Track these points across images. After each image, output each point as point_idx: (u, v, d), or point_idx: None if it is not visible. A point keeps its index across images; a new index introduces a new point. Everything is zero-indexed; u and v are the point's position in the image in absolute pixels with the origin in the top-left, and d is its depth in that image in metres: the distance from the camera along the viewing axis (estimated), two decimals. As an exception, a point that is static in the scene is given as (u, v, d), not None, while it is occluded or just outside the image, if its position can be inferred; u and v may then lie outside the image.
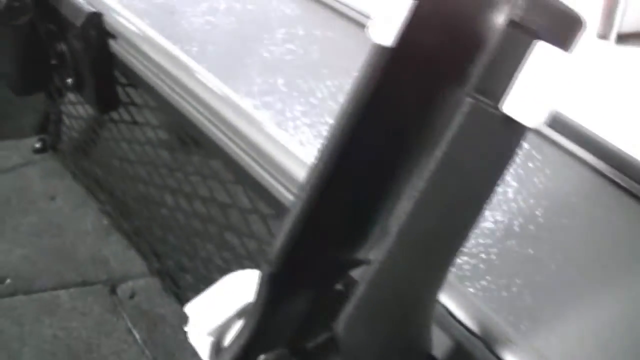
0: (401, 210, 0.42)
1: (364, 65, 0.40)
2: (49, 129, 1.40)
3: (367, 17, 0.87)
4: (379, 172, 0.45)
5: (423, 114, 0.43)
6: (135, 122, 1.03)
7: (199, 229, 0.99)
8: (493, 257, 0.54)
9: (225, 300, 0.52)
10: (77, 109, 1.30)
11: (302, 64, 0.79)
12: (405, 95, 0.43)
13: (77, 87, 0.97)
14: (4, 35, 0.90)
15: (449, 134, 0.39)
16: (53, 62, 0.97)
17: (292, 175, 0.64)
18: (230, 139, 0.72)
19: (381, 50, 0.39)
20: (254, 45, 0.82)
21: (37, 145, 1.42)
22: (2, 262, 1.23)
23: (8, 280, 1.21)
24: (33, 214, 1.32)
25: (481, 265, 0.53)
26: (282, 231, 0.43)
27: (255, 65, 0.79)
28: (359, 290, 0.42)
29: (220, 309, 0.52)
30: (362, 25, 0.86)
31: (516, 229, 0.57)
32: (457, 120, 0.39)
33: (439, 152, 0.40)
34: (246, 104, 0.71)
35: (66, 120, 1.36)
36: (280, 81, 0.75)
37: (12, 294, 1.19)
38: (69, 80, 0.97)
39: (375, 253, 0.45)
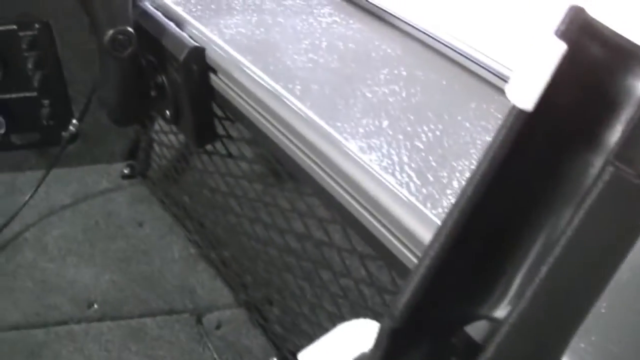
0: (535, 273, 0.40)
1: (501, 127, 0.39)
2: (138, 156, 1.41)
3: (467, 57, 0.86)
4: (506, 230, 0.44)
5: (554, 175, 0.42)
6: (230, 155, 1.03)
7: (291, 263, 0.99)
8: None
9: (339, 350, 0.52)
10: (168, 137, 1.31)
11: (406, 106, 0.78)
12: (538, 155, 0.42)
13: (175, 120, 0.97)
14: (107, 66, 0.91)
15: (588, 201, 0.38)
16: (152, 93, 0.97)
17: (396, 218, 0.63)
18: (332, 178, 0.71)
19: (519, 114, 0.38)
20: (356, 85, 0.82)
21: (126, 170, 1.44)
22: (91, 287, 1.25)
23: (95, 306, 1.22)
24: (121, 240, 1.33)
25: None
26: (408, 287, 0.43)
27: (359, 106, 0.78)
28: (489, 352, 0.41)
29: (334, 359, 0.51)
30: (463, 67, 0.85)
31: None
32: (597, 188, 0.38)
33: (576, 219, 0.39)
34: (350, 144, 0.70)
35: (156, 148, 1.37)
36: (385, 123, 0.74)
37: (100, 319, 1.20)
38: (168, 112, 0.98)
39: (501, 312, 0.45)
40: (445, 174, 0.66)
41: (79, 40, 1.34)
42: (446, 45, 0.88)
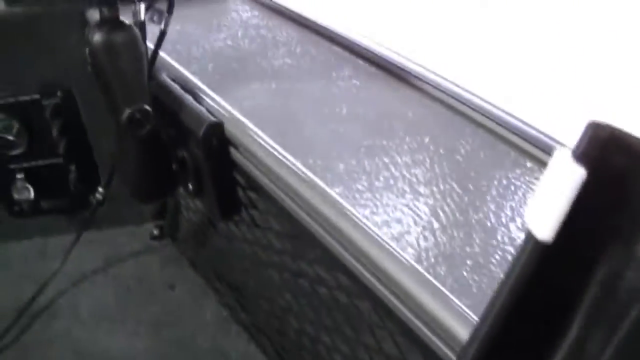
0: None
1: (519, 255, 0.37)
2: (166, 217, 1.41)
3: (494, 119, 0.84)
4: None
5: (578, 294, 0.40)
6: (255, 225, 1.01)
7: (322, 336, 0.97)
8: None
9: None
10: (194, 201, 1.30)
11: (430, 177, 0.76)
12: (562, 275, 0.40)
13: (198, 193, 0.96)
14: (126, 145, 0.90)
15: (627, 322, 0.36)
16: (174, 167, 0.96)
17: (420, 303, 0.61)
18: (357, 259, 0.70)
19: (537, 245, 0.36)
20: (379, 157, 0.80)
21: (155, 232, 1.43)
22: (126, 354, 1.24)
23: (131, 373, 1.21)
24: (153, 304, 1.32)
25: None
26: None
27: (381, 179, 0.76)
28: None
29: None
30: (490, 130, 0.83)
31: None
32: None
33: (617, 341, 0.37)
34: (373, 224, 0.69)
35: (184, 211, 1.36)
36: (408, 197, 0.73)
37: (136, 387, 1.19)
38: (190, 186, 0.97)
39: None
40: (473, 255, 0.64)
41: (102, 106, 1.34)
42: (470, 107, 0.86)
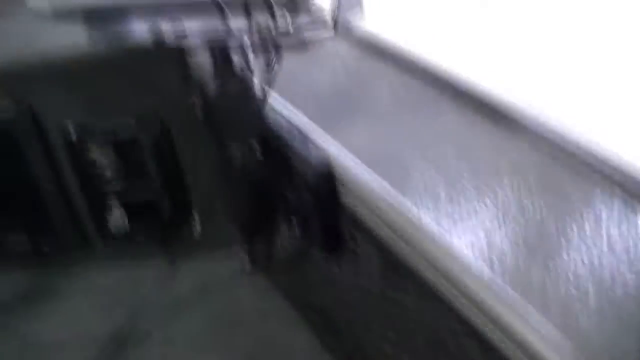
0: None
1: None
2: (259, 248, 1.43)
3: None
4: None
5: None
6: (356, 260, 1.03)
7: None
8: None
9: None
10: (292, 235, 1.32)
11: (532, 222, 0.76)
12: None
13: (303, 230, 0.98)
14: (235, 181, 0.93)
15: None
16: (280, 204, 0.98)
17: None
18: (470, 302, 0.71)
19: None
20: (488, 199, 0.81)
21: (247, 262, 1.45)
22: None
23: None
24: (246, 333, 1.34)
25: None
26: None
27: (490, 224, 0.77)
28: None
29: None
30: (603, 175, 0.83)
31: None
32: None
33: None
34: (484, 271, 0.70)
35: (278, 243, 1.38)
36: (520, 242, 0.73)
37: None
38: (295, 222, 0.99)
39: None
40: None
41: (197, 139, 1.37)
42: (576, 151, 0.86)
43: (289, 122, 0.98)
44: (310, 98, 1.06)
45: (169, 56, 1.30)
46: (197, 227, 1.26)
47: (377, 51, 1.19)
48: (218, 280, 1.49)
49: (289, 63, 1.09)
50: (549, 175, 0.85)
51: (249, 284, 1.45)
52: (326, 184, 0.88)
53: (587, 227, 0.75)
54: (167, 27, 0.91)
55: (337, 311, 1.25)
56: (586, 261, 0.70)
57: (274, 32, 0.84)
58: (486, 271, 0.69)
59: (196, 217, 1.27)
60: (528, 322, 0.64)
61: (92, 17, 0.91)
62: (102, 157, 1.42)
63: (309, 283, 1.33)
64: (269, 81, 0.95)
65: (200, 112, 0.92)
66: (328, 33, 0.83)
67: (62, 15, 0.87)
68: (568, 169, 0.85)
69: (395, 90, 1.05)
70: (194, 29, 0.90)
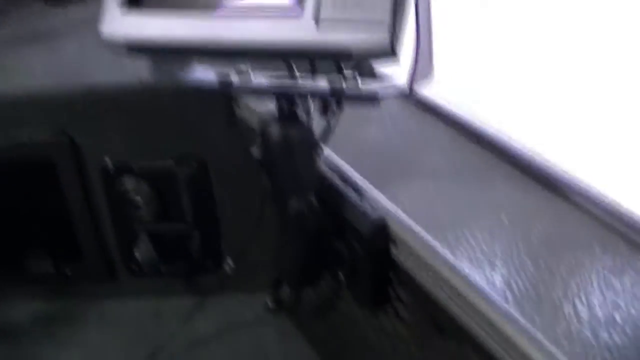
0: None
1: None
2: (290, 293, 1.43)
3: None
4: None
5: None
6: (398, 317, 1.03)
7: None
8: None
9: None
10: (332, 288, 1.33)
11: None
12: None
13: (349, 285, 0.98)
14: (288, 235, 0.93)
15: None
16: (328, 257, 0.98)
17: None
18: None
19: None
20: (547, 274, 0.81)
21: (271, 303, 1.44)
22: None
23: None
24: (269, 378, 1.33)
25: None
26: None
27: (553, 303, 0.77)
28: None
29: None
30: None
31: None
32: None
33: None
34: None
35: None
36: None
37: None
38: (342, 276, 0.99)
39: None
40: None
41: (233, 178, 1.38)
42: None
43: (344, 177, 0.98)
44: (359, 152, 1.07)
45: (220, 101, 1.32)
46: (227, 267, 1.25)
47: (426, 108, 1.20)
48: (240, 321, 1.48)
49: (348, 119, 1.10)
50: (606, 255, 0.84)
51: (272, 327, 1.45)
52: (379, 240, 0.88)
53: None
54: (234, 76, 0.90)
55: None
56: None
57: (341, 89, 0.84)
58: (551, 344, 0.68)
59: (226, 257, 1.26)
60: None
61: (162, 54, 0.91)
62: (136, 191, 1.41)
63: (338, 334, 1.33)
64: (326, 133, 0.95)
65: (258, 159, 0.91)
66: (401, 95, 0.83)
67: (134, 47, 0.87)
68: (631, 252, 0.85)
69: (448, 152, 1.05)
70: (261, 81, 0.90)
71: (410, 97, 1.18)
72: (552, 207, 0.94)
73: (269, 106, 0.96)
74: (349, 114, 1.09)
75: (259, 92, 0.92)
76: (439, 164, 1.04)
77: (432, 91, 1.17)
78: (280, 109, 0.91)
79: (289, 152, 0.90)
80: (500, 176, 1.01)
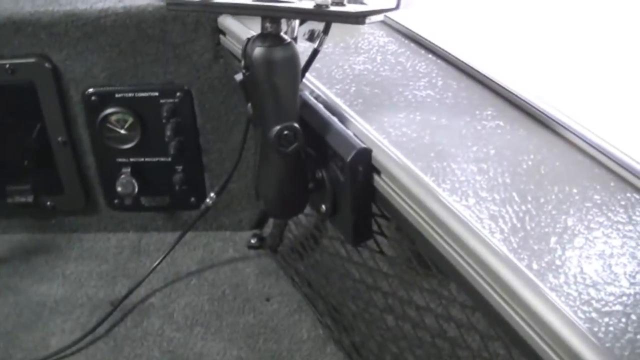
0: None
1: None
2: (271, 231, 1.41)
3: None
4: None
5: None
6: (380, 252, 1.01)
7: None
8: None
9: None
10: (299, 217, 1.31)
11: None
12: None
13: (332, 216, 0.96)
14: (269, 160, 0.91)
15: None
16: (310, 186, 0.96)
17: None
18: (503, 299, 0.70)
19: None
20: (532, 204, 0.79)
21: (253, 241, 1.43)
22: (218, 362, 1.24)
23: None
24: (248, 314, 1.33)
25: None
26: None
27: (535, 231, 0.75)
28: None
29: None
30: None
31: None
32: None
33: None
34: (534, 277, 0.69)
35: (290, 225, 1.37)
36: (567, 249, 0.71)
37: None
38: (324, 207, 0.97)
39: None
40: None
41: (217, 110, 1.35)
42: (622, 166, 0.84)
43: (328, 105, 0.95)
44: (344, 80, 1.04)
45: (200, 21, 1.28)
46: (209, 202, 1.23)
47: (413, 40, 1.18)
48: (222, 257, 1.47)
49: (335, 49, 1.07)
50: (593, 187, 0.82)
51: (254, 264, 1.43)
52: (363, 167, 0.86)
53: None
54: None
55: (346, 304, 1.24)
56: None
57: (327, 7, 0.80)
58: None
59: (216, 191, 1.24)
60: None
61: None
62: (119, 122, 1.39)
63: (315, 268, 1.32)
64: (311, 58, 0.92)
65: (242, 82, 0.88)
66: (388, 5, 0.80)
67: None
68: (608, 181, 0.83)
69: (435, 83, 1.03)
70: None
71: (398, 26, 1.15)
72: (542, 142, 0.92)
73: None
74: (336, 43, 1.07)
75: (243, 10, 0.88)
76: (427, 96, 1.01)
77: (420, 21, 1.14)
78: (264, 29, 0.87)
79: (272, 75, 0.87)
80: (491, 111, 0.98)
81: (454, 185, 0.83)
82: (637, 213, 0.78)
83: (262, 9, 0.86)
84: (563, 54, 1.10)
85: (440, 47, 1.13)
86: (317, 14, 0.84)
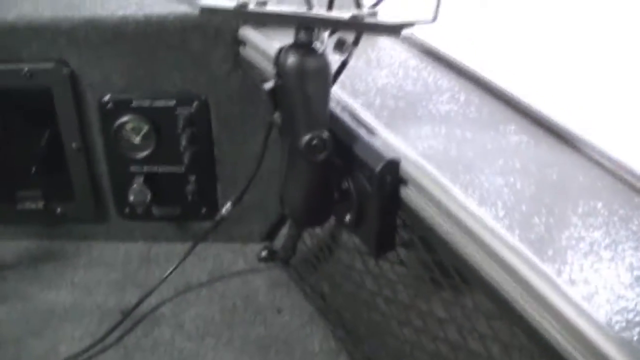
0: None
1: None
2: (284, 243, 1.41)
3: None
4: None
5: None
6: (401, 263, 1.02)
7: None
8: None
9: None
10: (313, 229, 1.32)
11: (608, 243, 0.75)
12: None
13: (356, 227, 0.97)
14: (297, 169, 0.92)
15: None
16: (335, 196, 0.97)
17: None
18: (538, 313, 0.70)
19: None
20: (558, 216, 0.80)
21: (263, 253, 1.43)
22: (230, 373, 1.24)
23: (234, 394, 1.21)
24: (259, 326, 1.33)
25: None
26: None
27: (565, 242, 0.76)
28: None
29: None
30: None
31: None
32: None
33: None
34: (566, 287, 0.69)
35: (304, 237, 1.37)
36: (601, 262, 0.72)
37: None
38: (348, 218, 0.97)
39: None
40: None
41: (233, 120, 1.36)
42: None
43: (356, 116, 0.96)
44: (369, 92, 1.06)
45: (220, 31, 1.29)
46: (222, 214, 1.23)
47: (433, 55, 1.19)
48: (232, 269, 1.47)
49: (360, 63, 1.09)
50: (616, 201, 0.83)
51: (265, 276, 1.43)
52: (391, 178, 0.87)
53: None
54: (251, 3, 0.88)
55: (360, 316, 1.24)
56: None
57: (362, 18, 0.82)
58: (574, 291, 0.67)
59: (222, 204, 1.24)
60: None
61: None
62: (134, 130, 1.39)
63: (327, 279, 1.32)
64: (340, 68, 0.93)
65: (270, 90, 0.89)
66: (424, 24, 0.81)
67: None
68: (632, 197, 0.84)
69: (457, 98, 1.05)
70: (279, 8, 0.88)
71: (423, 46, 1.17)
72: (564, 157, 0.94)
73: (276, 46, 0.93)
74: (358, 56, 1.08)
75: (278, 20, 0.90)
76: (451, 111, 1.02)
77: (445, 39, 1.16)
78: (297, 38, 0.89)
79: (305, 83, 0.88)
80: (513, 126, 1.00)
81: (483, 196, 0.83)
82: (663, 228, 0.79)
83: (298, 18, 0.87)
84: (582, 70, 1.11)
85: (461, 64, 1.14)
86: (353, 24, 0.85)
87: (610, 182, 0.88)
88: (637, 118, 1.02)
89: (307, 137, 0.91)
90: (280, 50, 0.91)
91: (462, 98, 1.06)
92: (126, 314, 1.33)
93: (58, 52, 1.33)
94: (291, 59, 0.89)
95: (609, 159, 0.91)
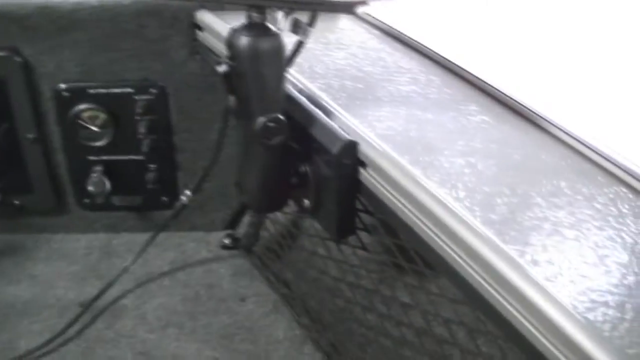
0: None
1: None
2: (246, 231, 1.39)
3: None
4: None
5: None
6: (363, 248, 1.00)
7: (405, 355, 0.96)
8: None
9: None
10: (276, 216, 1.29)
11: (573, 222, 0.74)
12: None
13: (315, 211, 0.95)
14: (253, 153, 0.89)
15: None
16: (293, 181, 0.95)
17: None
18: (505, 299, 0.69)
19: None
20: (521, 197, 0.78)
21: (226, 241, 1.41)
22: (193, 363, 1.22)
23: (198, 383, 1.19)
24: (223, 314, 1.30)
25: None
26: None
27: (528, 222, 0.74)
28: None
29: None
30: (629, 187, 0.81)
31: None
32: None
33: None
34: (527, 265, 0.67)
35: (267, 225, 1.35)
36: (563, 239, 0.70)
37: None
38: (307, 202, 0.95)
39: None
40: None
41: (192, 108, 1.33)
42: (608, 160, 0.84)
43: (312, 99, 0.94)
44: (327, 74, 1.03)
45: (177, 16, 1.26)
46: (183, 202, 1.20)
47: (393, 36, 1.17)
48: (195, 258, 1.44)
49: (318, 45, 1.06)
50: (580, 180, 0.82)
51: (227, 264, 1.41)
52: (349, 160, 0.85)
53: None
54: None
55: (324, 303, 1.22)
56: None
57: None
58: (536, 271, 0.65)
59: (182, 192, 1.21)
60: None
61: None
62: (91, 118, 1.36)
63: (290, 267, 1.30)
64: (296, 49, 0.91)
65: (225, 73, 0.86)
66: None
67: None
68: (595, 175, 0.83)
69: (418, 79, 1.03)
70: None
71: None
72: (527, 136, 0.92)
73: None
74: (317, 39, 1.05)
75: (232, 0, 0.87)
76: (411, 91, 1.00)
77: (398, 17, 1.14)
78: (250, 20, 0.86)
79: (259, 65, 0.85)
80: (475, 107, 0.98)
81: (443, 177, 0.81)
82: (626, 207, 0.77)
83: (250, -1, 0.84)
84: (542, 49, 1.09)
85: (421, 44, 1.12)
86: (308, 3, 0.82)
87: (575, 161, 0.87)
88: (601, 96, 0.99)
89: (262, 120, 0.89)
90: (233, 31, 0.88)
91: (422, 79, 1.04)
92: (85, 307, 1.30)
93: (10, 41, 1.29)
94: (243, 40, 0.86)
95: (573, 137, 0.90)
